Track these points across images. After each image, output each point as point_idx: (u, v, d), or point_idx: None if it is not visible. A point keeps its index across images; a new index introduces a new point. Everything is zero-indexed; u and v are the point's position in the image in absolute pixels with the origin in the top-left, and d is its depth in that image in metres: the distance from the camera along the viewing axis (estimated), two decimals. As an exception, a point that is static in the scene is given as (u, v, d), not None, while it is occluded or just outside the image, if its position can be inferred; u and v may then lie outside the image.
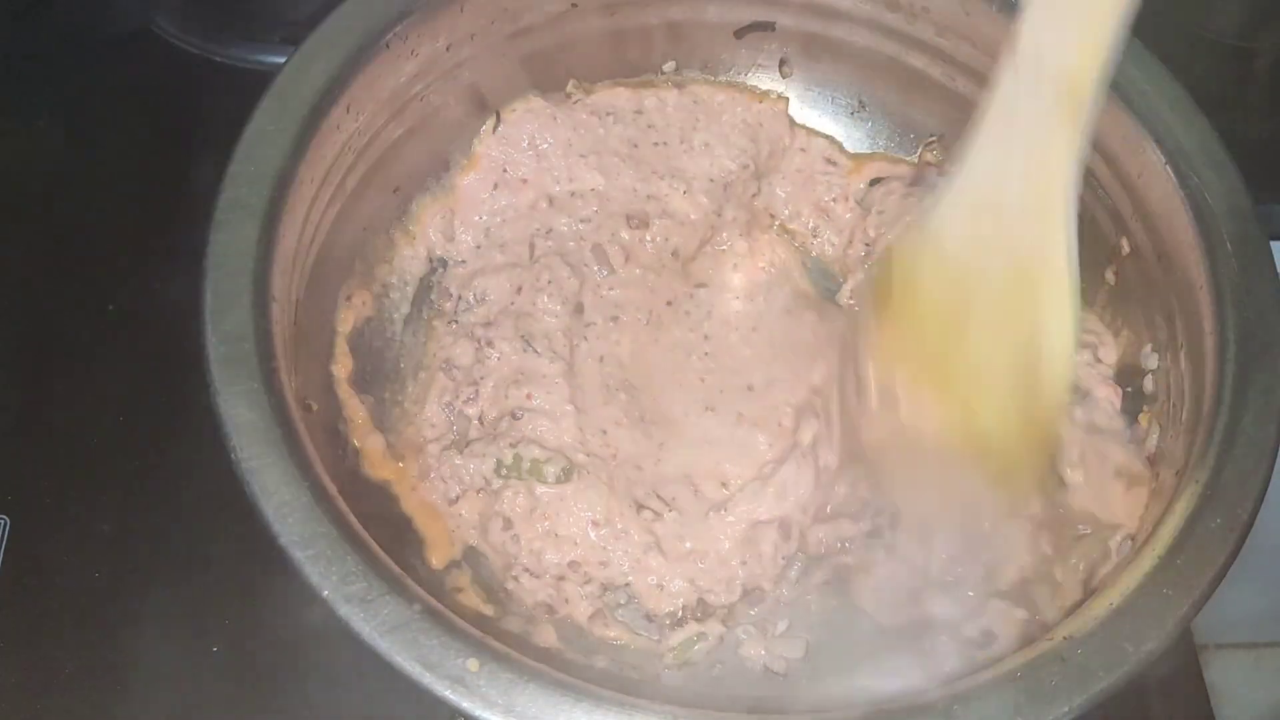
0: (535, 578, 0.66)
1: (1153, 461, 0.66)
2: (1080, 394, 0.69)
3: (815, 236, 0.82)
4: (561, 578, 0.66)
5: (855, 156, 0.83)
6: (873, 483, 0.66)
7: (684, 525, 0.68)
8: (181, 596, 0.69)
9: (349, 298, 0.71)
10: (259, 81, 0.62)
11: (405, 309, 0.75)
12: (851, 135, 0.83)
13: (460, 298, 0.75)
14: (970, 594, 0.62)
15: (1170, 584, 0.53)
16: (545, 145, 0.77)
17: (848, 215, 0.81)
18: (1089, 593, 0.62)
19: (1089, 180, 0.73)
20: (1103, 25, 0.47)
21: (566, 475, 0.66)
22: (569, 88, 0.79)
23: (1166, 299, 0.67)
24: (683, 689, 0.64)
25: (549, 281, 0.73)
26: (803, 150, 0.82)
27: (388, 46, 0.66)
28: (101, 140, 0.86)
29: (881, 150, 0.83)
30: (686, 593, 0.67)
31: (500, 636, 0.50)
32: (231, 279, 0.56)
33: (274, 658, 0.67)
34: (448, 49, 0.71)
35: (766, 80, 0.83)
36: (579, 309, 0.73)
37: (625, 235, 0.76)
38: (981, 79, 0.75)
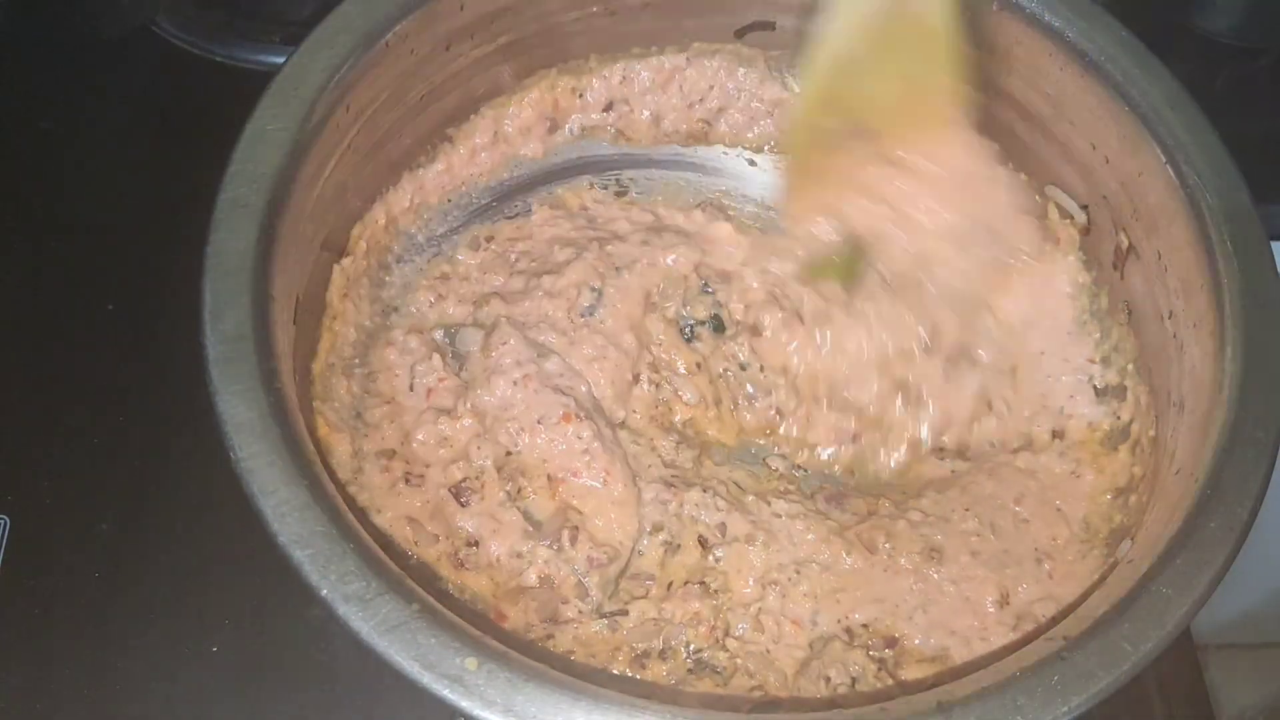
0: None
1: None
2: None
3: None
4: None
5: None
6: None
7: None
8: (181, 596, 0.69)
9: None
10: (259, 81, 0.62)
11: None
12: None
13: None
14: None
15: (1170, 584, 0.52)
16: None
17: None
18: (1089, 593, 0.62)
19: (1089, 180, 0.73)
20: None
21: None
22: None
23: (1167, 299, 0.67)
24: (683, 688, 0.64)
25: None
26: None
27: (387, 46, 0.66)
28: (101, 140, 0.86)
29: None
30: None
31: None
32: (230, 279, 0.56)
33: (274, 658, 0.67)
34: (447, 48, 0.71)
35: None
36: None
37: None
38: (981, 77, 0.75)
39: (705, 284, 0.78)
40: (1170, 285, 0.67)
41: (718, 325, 0.77)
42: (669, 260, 0.77)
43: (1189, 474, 0.58)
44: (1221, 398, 0.59)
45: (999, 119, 0.77)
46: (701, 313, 0.77)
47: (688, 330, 0.77)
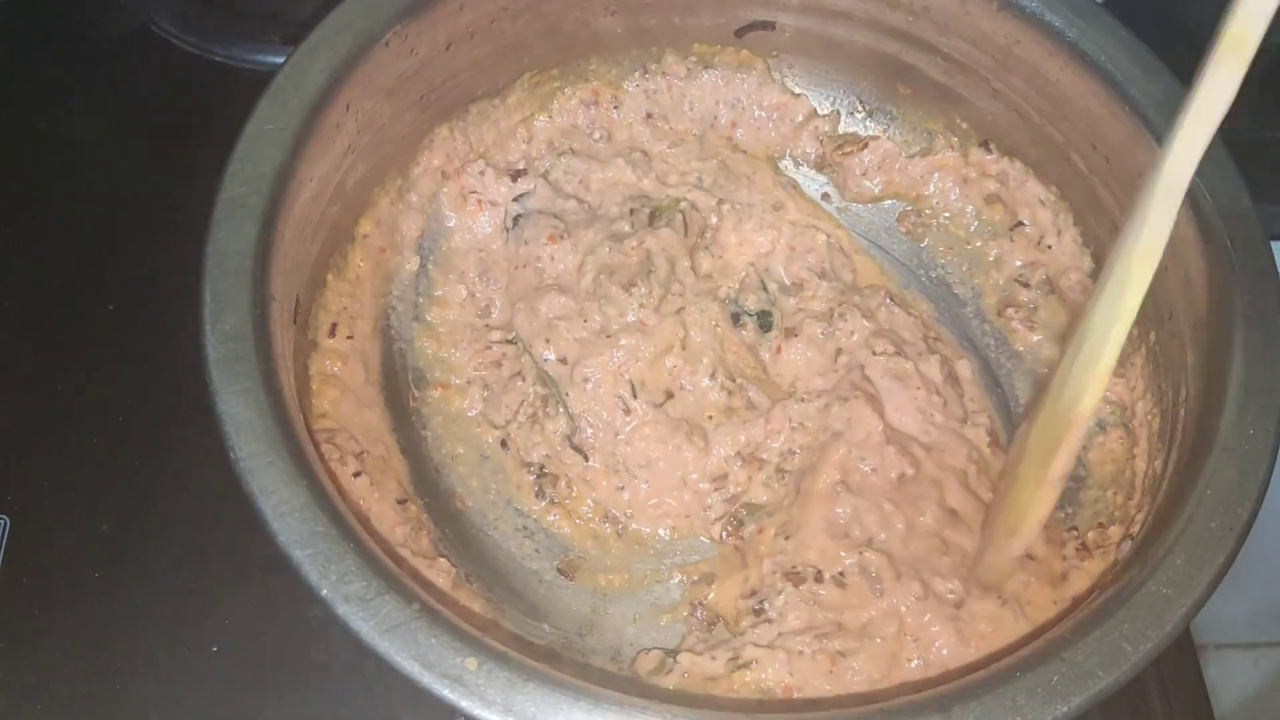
0: None
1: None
2: None
3: None
4: None
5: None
6: None
7: None
8: (181, 596, 0.69)
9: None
10: (259, 81, 0.62)
11: (401, 308, 0.75)
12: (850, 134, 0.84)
13: None
14: None
15: (1170, 584, 0.53)
16: None
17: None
18: (1090, 593, 0.62)
19: (1089, 181, 0.73)
20: None
21: None
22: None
23: (1167, 299, 0.67)
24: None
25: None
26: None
27: (387, 45, 0.66)
28: (101, 140, 0.86)
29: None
30: None
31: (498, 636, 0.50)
32: (231, 279, 0.56)
33: (274, 658, 0.67)
34: (447, 48, 0.71)
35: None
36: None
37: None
38: (980, 78, 0.76)
39: (763, 283, 0.78)
40: (1170, 285, 0.67)
41: (765, 323, 0.77)
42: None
43: (1189, 474, 0.58)
44: (1221, 397, 0.59)
45: (998, 119, 0.77)
46: (753, 305, 0.77)
47: (737, 317, 0.77)
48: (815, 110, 0.83)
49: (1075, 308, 0.76)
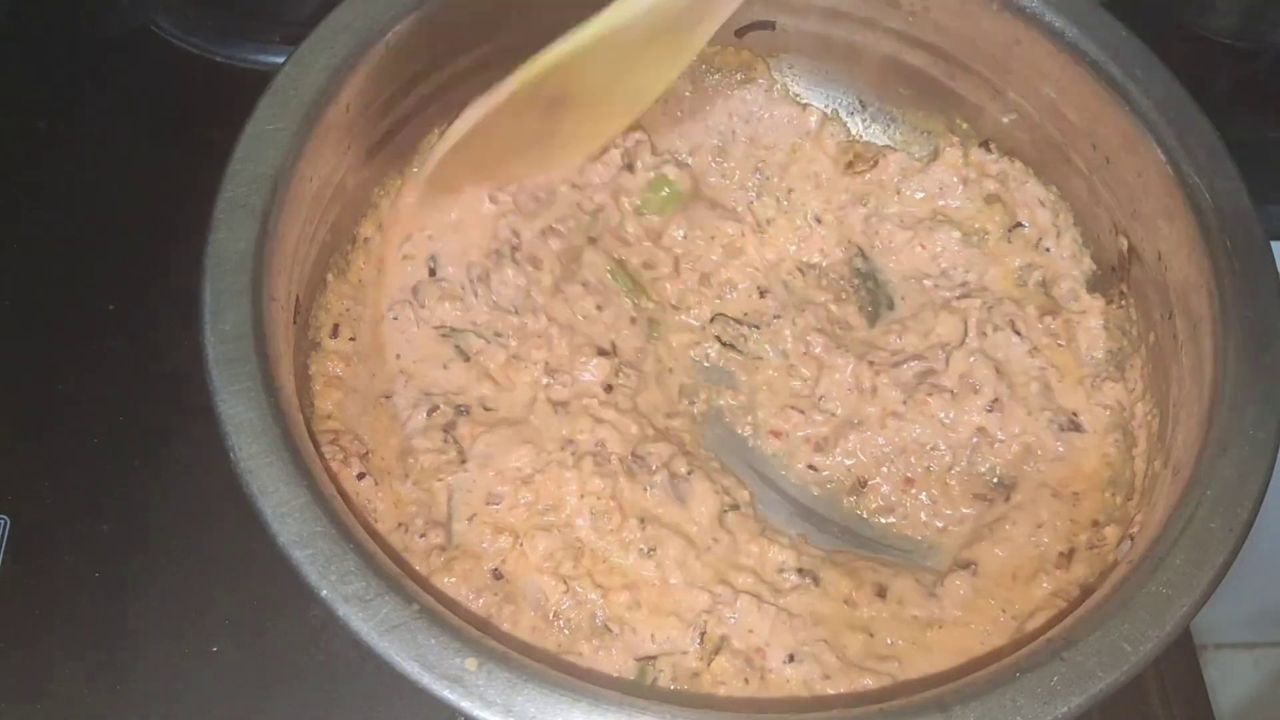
0: None
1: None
2: None
3: None
4: None
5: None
6: None
7: None
8: (181, 596, 0.69)
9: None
10: (259, 81, 0.62)
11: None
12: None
13: None
14: None
15: (1170, 584, 0.53)
16: None
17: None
18: (1088, 593, 0.62)
19: (1089, 181, 0.73)
20: None
21: None
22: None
23: (1166, 299, 0.67)
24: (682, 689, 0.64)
25: None
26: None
27: (387, 45, 0.66)
28: (101, 140, 0.86)
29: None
30: None
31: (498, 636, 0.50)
32: (231, 279, 0.56)
33: (274, 658, 0.67)
34: (447, 48, 0.71)
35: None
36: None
37: None
38: (981, 78, 0.76)
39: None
40: (1170, 285, 0.67)
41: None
42: None
43: (1188, 474, 0.58)
44: (1221, 398, 0.59)
45: (998, 119, 0.77)
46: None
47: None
48: (825, 115, 0.83)
49: (1070, 312, 0.76)
